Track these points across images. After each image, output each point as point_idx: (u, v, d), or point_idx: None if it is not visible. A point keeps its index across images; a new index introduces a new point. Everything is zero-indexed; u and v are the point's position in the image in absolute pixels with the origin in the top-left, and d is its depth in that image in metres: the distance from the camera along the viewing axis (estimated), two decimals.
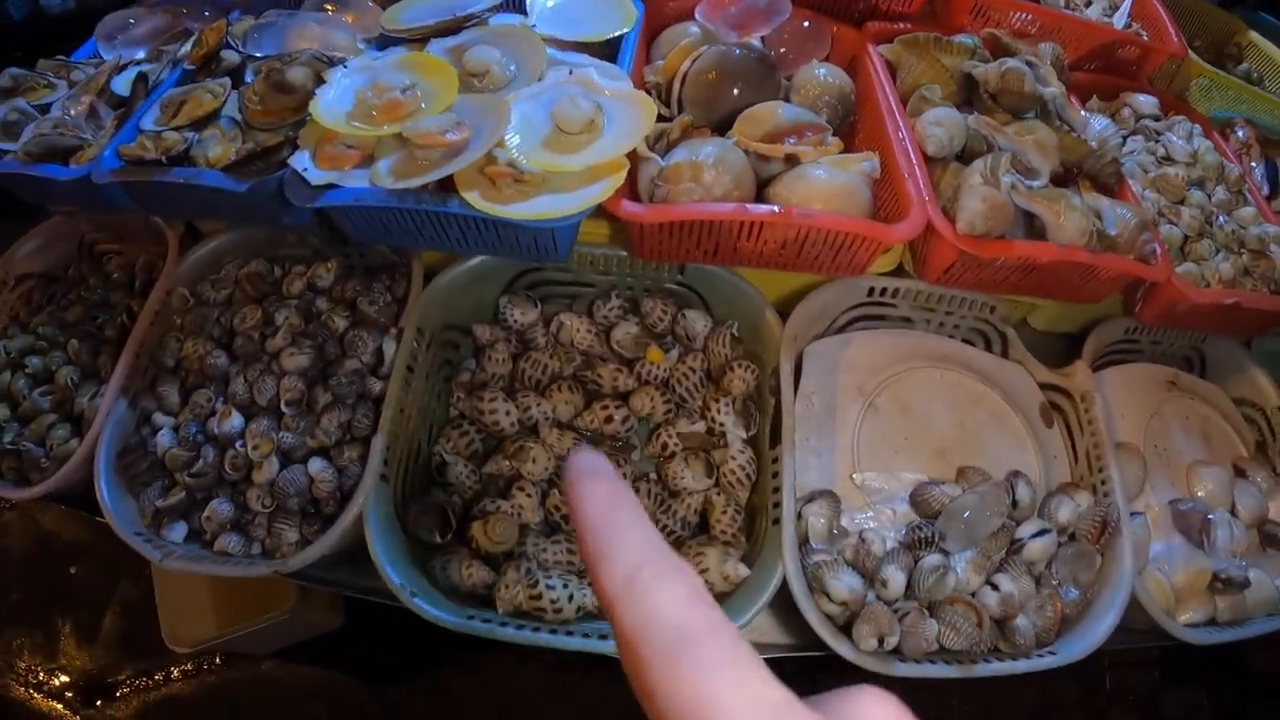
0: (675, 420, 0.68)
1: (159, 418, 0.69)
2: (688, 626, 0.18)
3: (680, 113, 0.72)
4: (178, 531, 0.66)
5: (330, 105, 0.65)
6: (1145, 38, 0.90)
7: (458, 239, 0.65)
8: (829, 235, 0.61)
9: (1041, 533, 0.63)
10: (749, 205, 0.60)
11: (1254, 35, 1.10)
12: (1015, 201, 0.67)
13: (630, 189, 0.65)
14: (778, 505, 0.60)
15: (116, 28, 0.85)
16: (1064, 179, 0.77)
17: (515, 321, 0.70)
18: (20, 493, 0.70)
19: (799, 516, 0.61)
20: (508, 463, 0.66)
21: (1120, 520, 0.66)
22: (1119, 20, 0.90)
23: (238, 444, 0.65)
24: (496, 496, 0.65)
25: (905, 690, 0.22)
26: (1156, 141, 0.84)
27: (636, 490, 0.66)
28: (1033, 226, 0.69)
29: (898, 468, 0.65)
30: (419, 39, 0.72)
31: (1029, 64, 0.76)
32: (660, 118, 0.72)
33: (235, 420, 0.66)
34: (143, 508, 0.67)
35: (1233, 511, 0.77)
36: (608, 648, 0.58)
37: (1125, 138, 0.86)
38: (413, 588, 0.59)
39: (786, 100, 0.74)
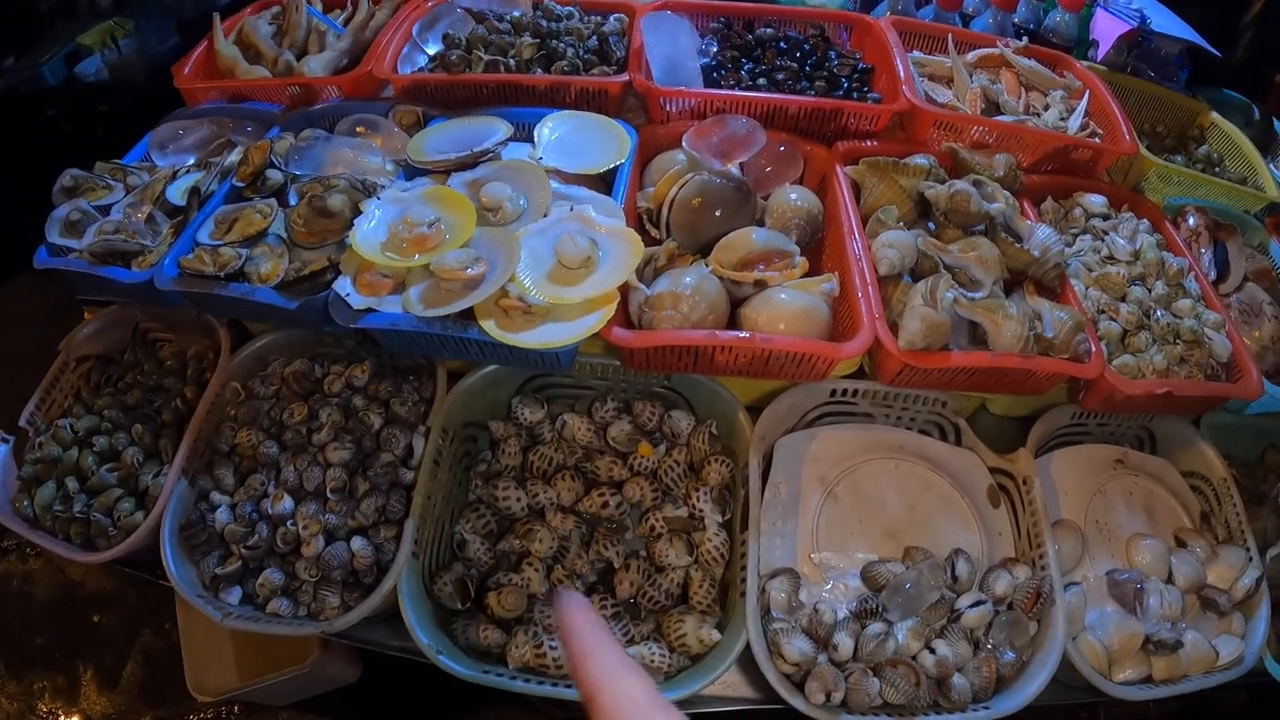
0: (662, 506, 0.93)
1: (216, 496, 0.95)
2: (652, 700, 0.37)
3: (669, 235, 0.99)
4: (234, 595, 0.92)
5: (367, 236, 0.92)
6: (1099, 139, 1.16)
7: (476, 354, 0.92)
8: (788, 354, 0.87)
9: (978, 603, 0.88)
10: (719, 332, 0.86)
11: (1214, 116, 1.35)
12: (958, 312, 0.93)
13: (623, 312, 0.92)
14: (744, 581, 0.86)
15: (168, 137, 1.14)
16: (1013, 283, 1.03)
17: (525, 419, 0.96)
18: (89, 556, 0.96)
19: (763, 590, 0.86)
20: (518, 541, 0.92)
21: (1054, 591, 0.90)
22: (1074, 122, 1.16)
23: (288, 523, 0.92)
24: (509, 570, 0.91)
25: None
26: (1102, 241, 1.09)
27: (628, 566, 0.91)
28: (976, 333, 0.95)
29: (851, 548, 0.90)
30: (441, 171, 0.99)
31: (977, 183, 1.02)
32: (651, 240, 1.00)
33: (287, 503, 0.93)
34: (202, 574, 0.93)
35: (1169, 580, 1.01)
36: None
37: (1076, 236, 1.11)
38: (438, 646, 0.85)
39: (761, 222, 1.01)
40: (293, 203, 1.01)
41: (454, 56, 1.07)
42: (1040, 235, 1.00)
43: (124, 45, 1.45)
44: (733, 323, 0.92)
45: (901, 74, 1.10)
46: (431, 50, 1.12)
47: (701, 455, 0.95)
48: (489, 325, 0.86)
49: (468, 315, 0.87)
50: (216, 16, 1.14)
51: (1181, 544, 1.05)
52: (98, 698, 1.27)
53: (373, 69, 1.07)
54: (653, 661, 0.85)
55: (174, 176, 1.06)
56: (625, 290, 0.89)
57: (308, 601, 0.91)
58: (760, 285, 0.91)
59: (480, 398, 0.97)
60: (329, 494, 0.92)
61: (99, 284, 1.00)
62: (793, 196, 1.01)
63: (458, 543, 0.93)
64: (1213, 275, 1.17)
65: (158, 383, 1.05)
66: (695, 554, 0.91)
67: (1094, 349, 0.96)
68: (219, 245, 0.97)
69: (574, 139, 1.02)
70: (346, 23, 1.16)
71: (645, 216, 1.00)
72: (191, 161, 1.09)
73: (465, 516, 0.94)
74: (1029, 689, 0.86)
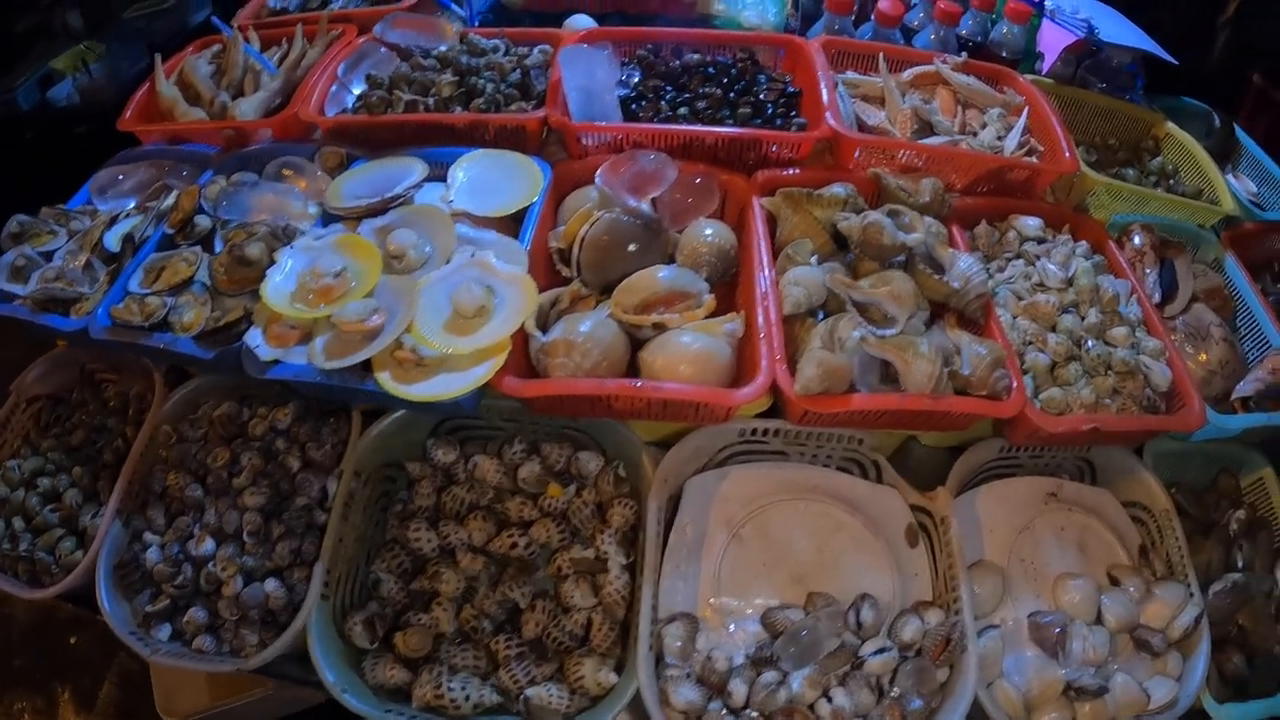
0: (570, 547, 0.92)
1: (148, 536, 0.96)
2: None
3: (579, 275, 0.96)
4: (164, 632, 0.94)
5: (278, 288, 0.92)
6: (1038, 156, 1.10)
7: (383, 400, 0.91)
8: (688, 400, 0.84)
9: (881, 650, 0.84)
10: (606, 381, 0.84)
11: (1170, 127, 1.27)
12: (867, 351, 0.89)
13: (525, 359, 0.90)
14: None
15: (107, 182, 1.15)
16: (938, 314, 0.98)
17: (439, 460, 0.95)
18: (34, 593, 0.99)
19: (660, 635, 0.84)
20: (428, 582, 0.92)
21: (965, 636, 0.86)
22: (1011, 141, 1.10)
23: (210, 564, 0.93)
24: (420, 610, 0.92)
25: None
26: (1034, 266, 1.03)
27: (534, 607, 0.90)
28: (889, 371, 0.91)
29: (754, 592, 0.87)
30: (354, 217, 0.98)
31: (894, 213, 0.97)
32: (563, 280, 0.97)
33: (209, 544, 0.94)
34: (135, 611, 0.95)
35: (1098, 620, 0.96)
36: None
37: (1009, 261, 1.06)
38: (344, 685, 0.85)
39: (673, 259, 0.98)
40: (218, 250, 1.01)
41: (375, 97, 1.05)
42: (962, 265, 0.95)
43: (95, 69, 1.46)
44: (634, 366, 0.89)
45: (825, 98, 1.05)
46: (357, 90, 1.10)
47: (608, 497, 0.92)
48: (383, 377, 0.86)
49: (368, 366, 0.86)
50: (158, 58, 1.15)
51: (1115, 582, 0.99)
52: (75, 718, 1.31)
53: (299, 111, 1.07)
54: (551, 703, 0.84)
55: (112, 222, 1.08)
56: (524, 336, 0.88)
57: (230, 639, 0.92)
58: (660, 328, 0.88)
59: (396, 440, 0.96)
60: (245, 537, 0.93)
61: (41, 331, 1.02)
62: (707, 232, 0.97)
63: (373, 582, 0.93)
64: (1157, 297, 1.10)
65: (101, 423, 1.07)
66: (599, 596, 0.89)
67: (1014, 385, 0.91)
68: (146, 294, 0.98)
69: (486, 179, 1.00)
70: (282, 60, 1.16)
71: (556, 256, 0.98)
72: (132, 205, 1.10)
73: (381, 556, 0.94)
74: None
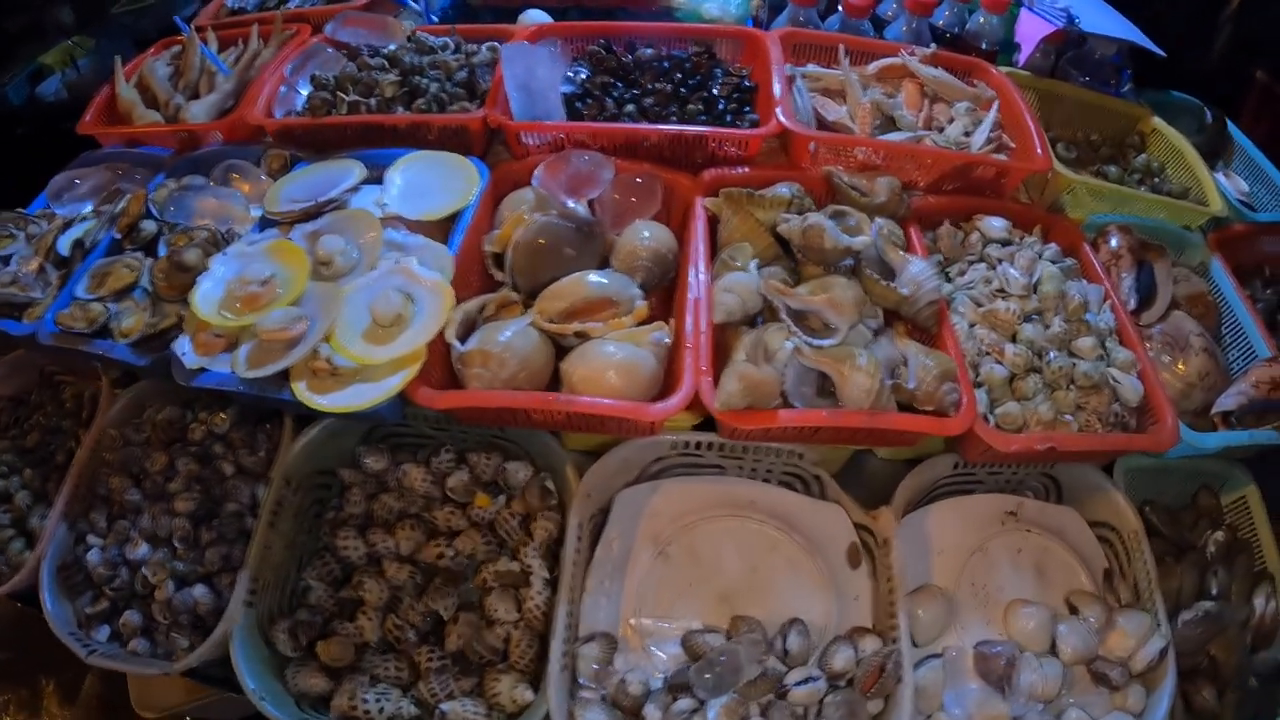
0: (497, 559, 0.84)
1: (91, 539, 0.92)
2: None
3: (513, 279, 0.88)
4: (103, 633, 0.89)
5: (206, 295, 0.85)
6: (1005, 156, 0.97)
7: (309, 409, 0.84)
8: (605, 415, 0.75)
9: (807, 680, 0.75)
10: (519, 393, 0.75)
11: (1157, 122, 1.12)
12: (802, 362, 0.79)
13: (448, 367, 0.82)
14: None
15: (63, 187, 1.09)
16: (889, 324, 0.87)
17: (370, 468, 0.88)
18: None
19: (575, 655, 0.76)
20: (354, 591, 0.85)
21: (900, 667, 0.76)
22: (979, 136, 0.97)
23: (143, 569, 0.88)
24: (347, 619, 0.85)
25: None
26: (994, 270, 0.91)
27: (456, 619, 0.83)
28: (828, 384, 0.80)
29: (677, 613, 0.78)
30: (288, 222, 0.91)
31: (839, 214, 0.86)
32: (499, 285, 0.89)
33: (144, 548, 0.88)
34: (77, 611, 0.91)
35: (1051, 651, 0.85)
36: None
37: (971, 264, 0.94)
38: (263, 692, 0.79)
39: (607, 263, 0.88)
40: (161, 252, 0.95)
41: (318, 99, 0.98)
42: (913, 270, 0.84)
43: (83, 65, 1.41)
44: (558, 376, 0.81)
45: (777, 92, 0.94)
46: (305, 91, 1.03)
47: (534, 509, 0.84)
48: (299, 387, 0.79)
49: (287, 375, 0.80)
50: (118, 60, 1.09)
51: (1073, 609, 0.88)
52: (59, 710, 1.29)
53: (245, 114, 1.00)
54: (466, 718, 0.77)
55: (66, 227, 1.02)
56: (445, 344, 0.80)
57: (163, 642, 0.87)
58: (583, 337, 0.79)
59: (327, 446, 0.89)
60: (175, 543, 0.88)
61: None
62: (644, 235, 0.88)
63: (303, 589, 0.86)
64: (1133, 303, 0.97)
65: (57, 424, 1.03)
66: (521, 610, 0.81)
67: (963, 400, 0.80)
68: (90, 300, 0.92)
69: (423, 182, 0.92)
70: (237, 61, 1.09)
71: (491, 261, 0.89)
72: (88, 210, 1.05)
73: (312, 564, 0.88)
74: None
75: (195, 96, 1.08)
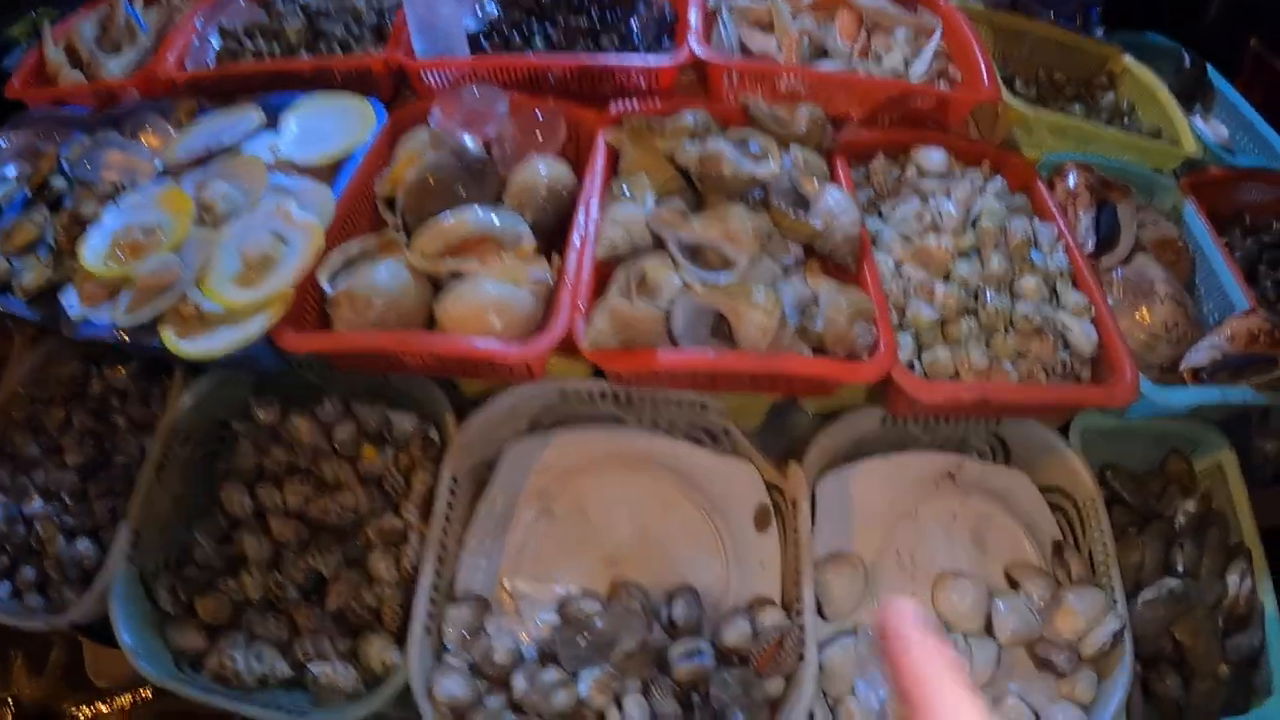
0: (381, 515, 0.73)
1: None
2: None
3: (403, 221, 0.76)
4: (4, 589, 0.81)
5: (94, 246, 0.76)
6: (948, 86, 0.81)
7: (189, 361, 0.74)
8: (468, 357, 0.63)
9: (693, 655, 0.62)
10: (379, 334, 0.64)
11: (1128, 60, 0.94)
12: (695, 302, 0.65)
13: (322, 310, 0.71)
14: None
15: None
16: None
17: (261, 420, 0.78)
18: None
19: (442, 618, 0.64)
20: (236, 547, 0.75)
21: (802, 644, 0.62)
22: (919, 67, 0.82)
23: (35, 524, 0.79)
24: (229, 575, 0.75)
25: None
26: (929, 204, 0.76)
27: (338, 577, 0.72)
28: (724, 325, 0.67)
29: (557, 576, 0.66)
30: (181, 171, 0.81)
31: (744, 142, 0.72)
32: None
33: (37, 503, 0.80)
34: None
35: (986, 631, 0.70)
36: (277, 717, 0.66)
37: (904, 200, 0.78)
38: (140, 649, 0.70)
39: (500, 200, 0.76)
40: (67, 207, 0.86)
41: (225, 50, 0.88)
42: (829, 201, 0.70)
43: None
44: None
45: (693, 21, 0.80)
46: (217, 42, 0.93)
47: (417, 461, 0.73)
48: (167, 334, 0.69)
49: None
50: (46, 24, 1.01)
51: (1014, 584, 0.72)
52: (27, 683, 1.22)
53: (156, 68, 0.90)
54: (337, 682, 0.66)
55: None
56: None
57: (56, 596, 0.78)
58: (458, 275, 0.67)
59: (220, 398, 0.79)
60: (64, 497, 0.78)
61: None
62: (540, 170, 0.75)
63: (189, 545, 0.76)
64: (1091, 244, 0.81)
65: None
66: (399, 569, 0.70)
67: (880, 342, 0.65)
68: None
69: (319, 126, 0.81)
70: None
71: (383, 204, 0.77)
72: (14, 173, 0.96)
73: (202, 520, 0.78)
74: None
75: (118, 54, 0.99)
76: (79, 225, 0.81)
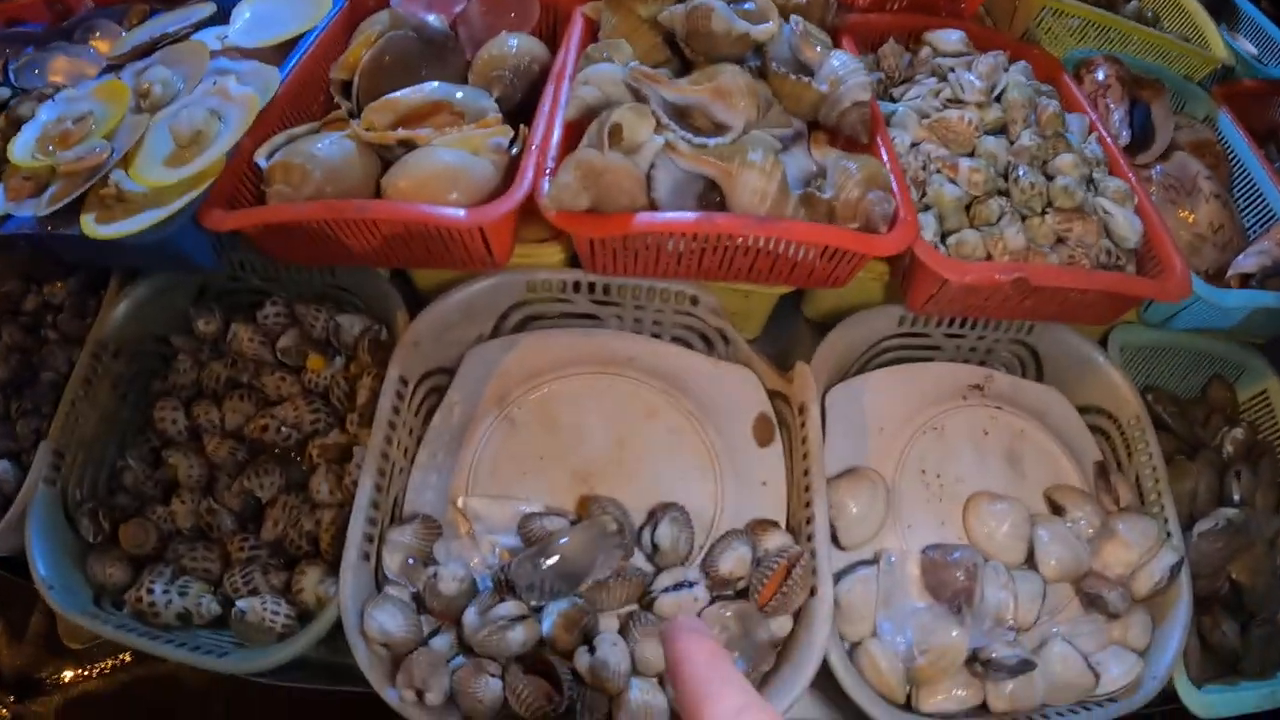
0: (329, 431, 0.57)
1: None
2: None
3: (359, 106, 0.61)
4: None
5: (23, 142, 0.62)
6: None
7: (114, 258, 0.59)
8: (416, 227, 0.47)
9: (681, 585, 0.46)
10: (308, 204, 0.48)
11: None
12: (678, 164, 0.49)
13: (260, 195, 0.56)
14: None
15: None
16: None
17: (200, 331, 0.63)
18: None
19: (385, 542, 0.48)
20: (167, 470, 0.59)
21: (815, 574, 0.46)
22: None
23: None
24: (158, 502, 0.59)
25: None
26: (945, 81, 0.60)
27: (274, 503, 0.56)
28: (714, 195, 0.51)
29: (518, 492, 0.50)
30: (123, 63, 0.67)
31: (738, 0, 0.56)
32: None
33: None
34: None
35: (1028, 563, 0.53)
36: (207, 662, 0.50)
37: (918, 82, 0.62)
38: (54, 581, 0.54)
39: (466, 81, 0.61)
40: None
41: None
42: (834, 64, 0.54)
43: None
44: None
45: None
46: None
47: (365, 367, 0.57)
48: (87, 219, 0.54)
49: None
50: None
51: (1057, 510, 0.56)
52: (8, 649, 1.07)
53: None
54: (265, 618, 0.50)
55: None
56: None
57: None
58: (408, 145, 0.52)
59: (157, 309, 0.64)
60: None
61: None
62: (510, 43, 0.60)
63: (119, 470, 0.61)
64: (1126, 137, 0.64)
65: None
66: (343, 490, 0.54)
67: (902, 214, 0.49)
68: None
69: (272, 13, 0.67)
70: None
71: (337, 90, 0.62)
72: None
73: (134, 442, 0.62)
74: None
75: None
76: (16, 127, 0.66)
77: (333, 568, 0.52)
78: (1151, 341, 0.65)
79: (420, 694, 0.42)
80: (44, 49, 0.76)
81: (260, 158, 0.54)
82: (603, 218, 0.45)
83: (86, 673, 1.07)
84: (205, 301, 0.64)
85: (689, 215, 0.46)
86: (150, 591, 0.53)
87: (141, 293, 0.63)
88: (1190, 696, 0.52)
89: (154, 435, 0.62)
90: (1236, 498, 0.63)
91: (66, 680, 1.07)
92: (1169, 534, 0.55)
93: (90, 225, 0.54)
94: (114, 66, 0.68)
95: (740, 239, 0.47)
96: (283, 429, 0.58)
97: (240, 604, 0.51)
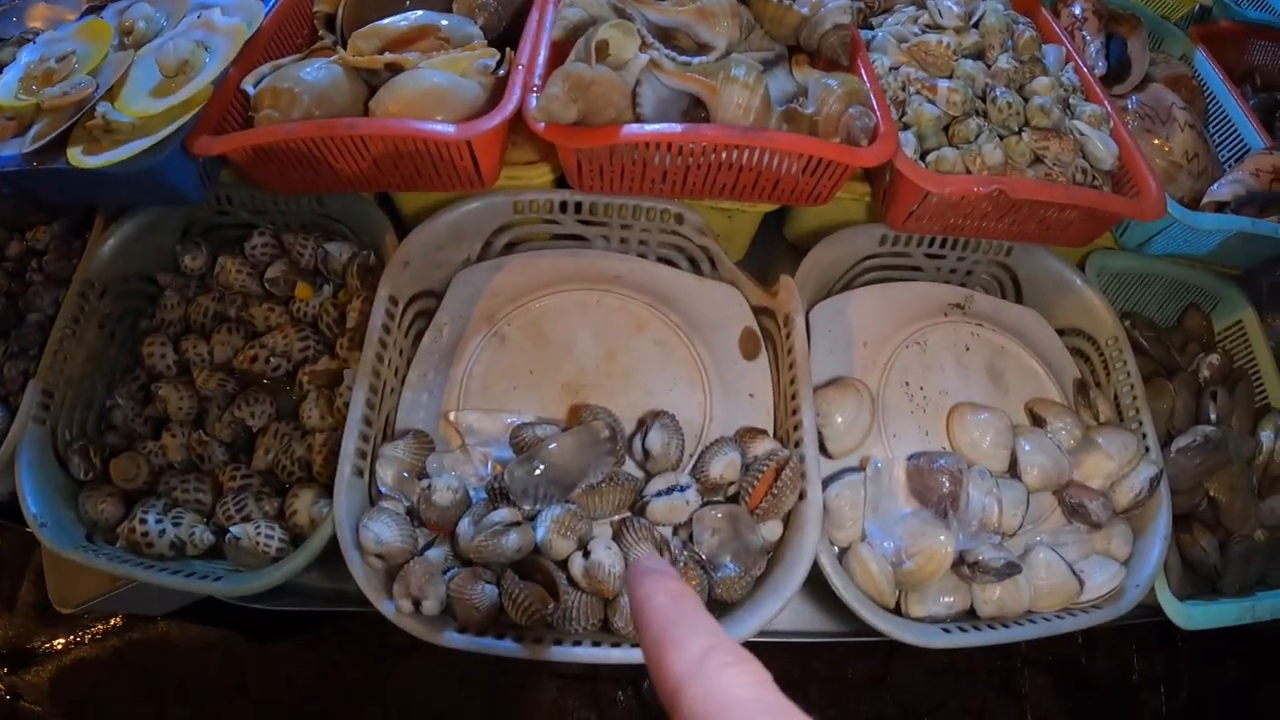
0: (317, 360, 0.58)
1: None
2: (765, 702, 0.19)
3: (344, 41, 0.62)
4: None
5: (6, 83, 0.61)
6: None
7: (100, 192, 0.59)
8: (405, 144, 0.48)
9: (672, 490, 0.46)
10: (299, 124, 0.49)
11: None
12: (663, 81, 0.50)
13: (248, 123, 0.56)
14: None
15: None
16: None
17: (186, 267, 0.63)
18: None
19: (378, 457, 0.49)
20: (157, 404, 0.59)
21: (804, 477, 0.47)
22: None
23: None
24: (149, 438, 0.59)
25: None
26: (924, 8, 0.61)
27: (266, 431, 0.57)
28: (698, 112, 0.52)
29: (510, 405, 0.51)
30: (102, 6, 0.67)
31: None
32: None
33: None
34: None
35: (1011, 471, 0.54)
36: (202, 586, 0.50)
37: (895, 10, 0.64)
38: (45, 518, 0.54)
39: (449, 10, 0.61)
40: None
41: None
42: None
43: None
44: None
45: None
46: None
47: (355, 292, 0.57)
48: (73, 152, 0.54)
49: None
50: None
51: (1039, 421, 0.57)
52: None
53: None
54: (259, 543, 0.51)
55: None
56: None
57: None
58: (395, 69, 0.52)
59: (143, 247, 0.64)
60: None
61: None
62: None
63: (109, 408, 0.61)
64: (1102, 67, 0.66)
65: None
66: (333, 412, 0.54)
67: (882, 128, 0.50)
68: None
69: None
70: None
71: (321, 22, 0.63)
72: None
73: (123, 380, 0.62)
74: (752, 619, 0.44)
75: None
76: None
77: (326, 490, 0.53)
78: (1129, 268, 0.67)
79: (417, 603, 0.42)
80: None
81: (248, 85, 0.54)
82: (590, 130, 0.46)
83: (78, 639, 1.07)
84: (191, 237, 0.64)
85: (676, 126, 0.47)
86: (143, 522, 0.53)
87: (127, 230, 0.63)
88: (1172, 607, 0.54)
89: (142, 372, 0.62)
90: (1213, 417, 0.64)
91: (59, 648, 1.07)
92: (1147, 448, 0.57)
93: (77, 157, 0.54)
94: (95, 8, 0.68)
95: (725, 152, 0.48)
96: (272, 359, 0.59)
97: (234, 529, 0.52)
